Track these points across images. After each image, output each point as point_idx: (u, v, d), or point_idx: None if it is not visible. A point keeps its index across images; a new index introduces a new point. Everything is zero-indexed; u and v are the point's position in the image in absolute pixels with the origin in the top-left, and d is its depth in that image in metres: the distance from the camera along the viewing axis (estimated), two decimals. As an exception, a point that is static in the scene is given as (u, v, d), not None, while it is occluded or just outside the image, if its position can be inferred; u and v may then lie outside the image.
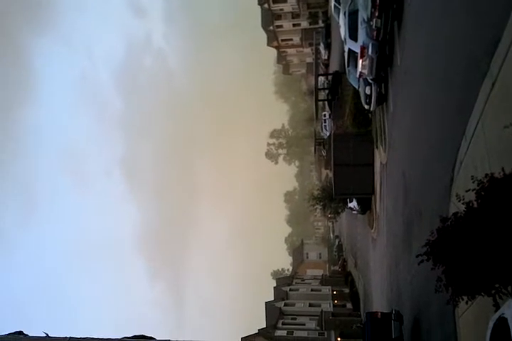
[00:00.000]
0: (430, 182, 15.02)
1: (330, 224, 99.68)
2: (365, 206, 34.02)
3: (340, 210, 43.96)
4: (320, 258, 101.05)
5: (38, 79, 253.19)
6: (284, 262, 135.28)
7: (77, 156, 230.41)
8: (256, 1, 75.37)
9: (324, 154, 56.90)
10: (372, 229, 31.77)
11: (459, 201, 8.07)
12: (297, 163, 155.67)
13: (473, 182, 7.73)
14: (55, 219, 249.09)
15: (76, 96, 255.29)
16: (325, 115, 54.06)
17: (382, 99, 23.60)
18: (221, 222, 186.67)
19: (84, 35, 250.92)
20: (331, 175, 41.67)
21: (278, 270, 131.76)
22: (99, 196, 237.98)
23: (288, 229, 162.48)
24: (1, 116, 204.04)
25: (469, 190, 7.72)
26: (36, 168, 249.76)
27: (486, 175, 7.58)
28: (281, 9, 75.31)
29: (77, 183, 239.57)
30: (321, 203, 43.41)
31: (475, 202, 7.52)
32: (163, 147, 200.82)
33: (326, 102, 49.67)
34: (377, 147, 27.83)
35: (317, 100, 51.01)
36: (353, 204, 36.40)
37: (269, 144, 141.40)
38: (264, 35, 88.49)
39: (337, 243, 77.62)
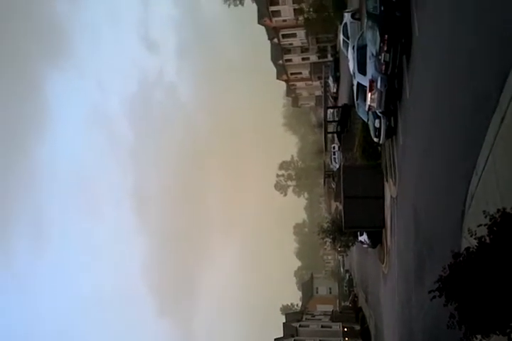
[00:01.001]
0: (441, 216, 14.82)
1: (340, 257, 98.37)
2: (376, 240, 33.57)
3: (350, 244, 43.38)
4: (330, 293, 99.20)
5: (52, 110, 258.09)
6: (294, 297, 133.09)
7: (88, 187, 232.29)
8: (266, 36, 76.82)
9: (334, 186, 56.67)
10: (383, 263, 31.24)
11: (471, 236, 7.93)
12: (306, 195, 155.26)
13: (485, 217, 7.61)
14: (63, 252, 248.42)
15: (88, 127, 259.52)
16: (334, 147, 54.12)
17: (391, 132, 23.61)
18: (230, 255, 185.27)
19: (98, 68, 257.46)
20: (340, 207, 41.36)
21: (287, 305, 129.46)
22: (109, 227, 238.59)
23: (297, 263, 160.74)
24: (15, 147, 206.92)
25: (481, 225, 7.59)
26: (48, 199, 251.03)
27: (498, 210, 7.47)
28: (291, 44, 76.64)
29: (88, 214, 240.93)
30: (331, 236, 42.89)
31: (487, 238, 7.38)
32: (174, 179, 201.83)
33: (335, 135, 49.81)
34: (387, 180, 27.68)
35: (326, 132, 51.19)
36: (364, 237, 35.94)
37: (278, 176, 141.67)
38: (273, 69, 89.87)
39: (347, 277, 76.31)
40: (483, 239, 7.47)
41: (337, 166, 50.42)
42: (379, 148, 28.80)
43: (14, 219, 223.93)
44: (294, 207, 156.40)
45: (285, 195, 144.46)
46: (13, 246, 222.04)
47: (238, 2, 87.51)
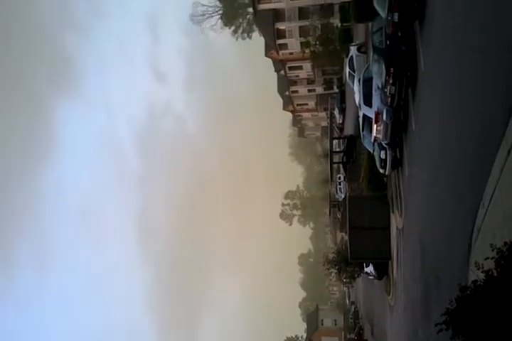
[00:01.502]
0: (448, 249, 14.79)
1: (346, 289, 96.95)
2: (382, 271, 33.25)
3: (356, 275, 42.94)
4: (335, 325, 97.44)
5: (60, 140, 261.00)
6: (298, 328, 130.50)
7: (93, 216, 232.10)
8: (273, 68, 78.07)
9: (339, 217, 56.49)
10: (389, 295, 30.87)
11: (478, 269, 7.94)
12: (312, 224, 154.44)
13: (492, 250, 7.64)
14: (65, 283, 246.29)
15: (96, 157, 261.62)
16: (340, 177, 54.26)
17: (397, 163, 23.76)
18: (234, 285, 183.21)
19: (107, 99, 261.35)
20: (346, 238, 41.13)
21: (292, 337, 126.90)
22: (112, 257, 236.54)
23: (302, 293, 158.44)
24: (22, 176, 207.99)
25: (488, 258, 7.62)
26: (52, 227, 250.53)
27: (505, 243, 7.52)
28: (297, 76, 77.78)
29: (92, 244, 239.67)
30: (337, 267, 42.50)
31: (494, 271, 7.40)
32: (179, 209, 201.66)
33: (341, 165, 50.01)
34: (393, 211, 27.65)
35: (332, 163, 51.42)
36: (370, 269, 35.60)
37: (283, 205, 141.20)
38: (280, 100, 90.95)
39: (353, 309, 75.05)
40: (490, 273, 7.48)
41: (343, 196, 50.42)
42: (385, 179, 28.89)
43: (17, 246, 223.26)
44: (300, 237, 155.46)
45: (290, 224, 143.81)
46: (15, 275, 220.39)
47: (246, 35, 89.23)
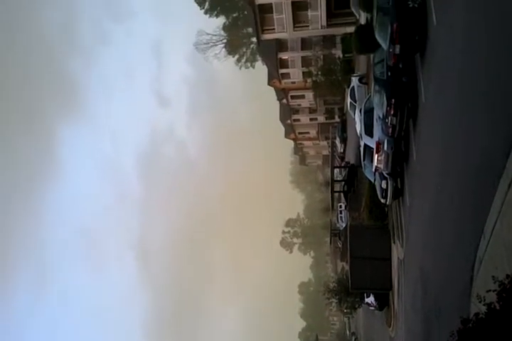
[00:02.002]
0: (449, 280, 14.69)
1: (346, 319, 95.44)
2: (383, 302, 32.86)
3: (357, 305, 42.37)
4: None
5: (62, 161, 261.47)
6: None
7: (92, 239, 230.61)
8: (275, 97, 78.92)
9: (340, 246, 56.09)
10: (390, 326, 30.42)
11: (480, 301, 7.91)
12: (312, 253, 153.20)
13: (494, 283, 7.62)
14: (64, 300, 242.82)
15: (97, 180, 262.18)
16: (341, 206, 54.15)
17: (398, 193, 23.79)
18: (233, 313, 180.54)
19: (110, 122, 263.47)
20: (347, 267, 40.77)
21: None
22: (111, 281, 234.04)
23: (302, 323, 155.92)
24: (23, 196, 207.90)
25: (490, 291, 7.59)
26: (51, 249, 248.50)
27: (507, 275, 7.50)
28: (299, 104, 78.54)
29: (90, 267, 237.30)
30: (337, 297, 42.01)
31: (497, 304, 7.36)
32: (179, 235, 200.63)
33: (342, 194, 49.98)
34: (394, 241, 27.53)
35: (333, 191, 51.38)
36: (371, 299, 35.18)
37: (284, 232, 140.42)
38: (282, 128, 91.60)
39: (353, 340, 73.84)
40: (492, 305, 7.44)
41: (343, 225, 50.21)
42: (386, 208, 28.88)
43: (15, 269, 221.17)
44: (300, 265, 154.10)
45: (291, 252, 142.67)
46: (11, 299, 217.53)
47: (249, 65, 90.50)
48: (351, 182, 43.18)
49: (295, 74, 63.48)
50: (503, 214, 9.99)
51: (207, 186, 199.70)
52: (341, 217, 54.00)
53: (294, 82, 67.31)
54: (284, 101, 76.70)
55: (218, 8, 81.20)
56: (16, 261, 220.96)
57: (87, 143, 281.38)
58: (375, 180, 25.62)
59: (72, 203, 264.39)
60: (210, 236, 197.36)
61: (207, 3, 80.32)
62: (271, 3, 42.14)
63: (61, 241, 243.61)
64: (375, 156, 22.95)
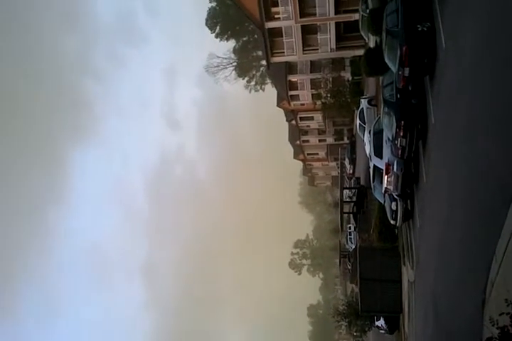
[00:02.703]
0: (461, 303, 14.53)
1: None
2: (393, 325, 32.41)
3: (367, 328, 41.77)
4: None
5: (72, 182, 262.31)
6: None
7: (100, 258, 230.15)
8: (284, 118, 79.47)
9: (350, 268, 55.56)
10: (401, 350, 29.96)
11: (493, 325, 7.84)
12: (321, 275, 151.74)
13: (507, 306, 7.58)
14: (71, 321, 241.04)
15: (107, 198, 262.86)
16: (350, 227, 53.90)
17: (408, 215, 23.71)
18: (240, 336, 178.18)
19: (121, 144, 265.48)
20: (356, 290, 40.35)
21: None
22: (118, 299, 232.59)
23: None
24: (32, 218, 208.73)
25: (503, 314, 7.54)
26: (58, 271, 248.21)
27: (520, 299, 7.46)
28: (308, 126, 78.98)
29: (98, 288, 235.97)
30: (347, 320, 41.49)
31: (510, 327, 7.31)
32: (186, 255, 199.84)
33: (351, 215, 49.80)
34: (404, 264, 27.31)
35: (342, 212, 51.25)
36: (381, 322, 34.72)
37: (293, 254, 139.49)
38: (291, 149, 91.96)
39: (363, 364, 72.48)
40: (505, 329, 7.38)
41: (353, 247, 49.87)
42: (396, 230, 28.73)
43: (21, 292, 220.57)
44: (309, 287, 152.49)
45: (299, 273, 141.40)
46: (17, 325, 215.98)
47: (259, 87, 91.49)
48: (361, 203, 43.07)
49: (304, 96, 64.03)
50: (514, 238, 9.96)
51: (216, 207, 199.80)
52: (351, 238, 53.71)
53: (303, 104, 67.85)
54: (293, 122, 77.22)
55: (229, 32, 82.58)
56: (23, 284, 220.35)
57: (98, 165, 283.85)
58: (384, 202, 25.56)
59: (81, 224, 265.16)
60: (219, 257, 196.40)
61: (218, 28, 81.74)
62: (281, 28, 42.78)
63: (68, 262, 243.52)
64: (385, 178, 22.93)
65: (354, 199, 46.95)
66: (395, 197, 23.64)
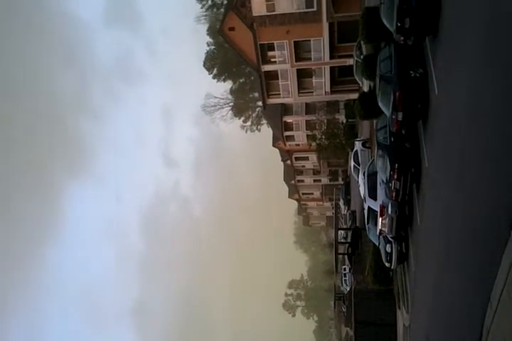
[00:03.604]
0: (457, 350, 14.33)
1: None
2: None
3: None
4: None
5: (66, 218, 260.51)
6: None
7: (92, 297, 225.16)
8: (279, 158, 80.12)
9: (344, 310, 54.73)
10: None
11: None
12: (316, 317, 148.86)
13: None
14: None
15: (100, 234, 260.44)
16: (345, 269, 53.35)
17: (403, 257, 23.62)
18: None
19: (116, 180, 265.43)
20: (351, 333, 39.62)
21: None
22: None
23: None
24: (23, 251, 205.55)
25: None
26: (49, 309, 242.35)
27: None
28: (303, 166, 79.54)
29: (89, 328, 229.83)
30: (341, 365, 40.58)
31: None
32: (180, 293, 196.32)
33: (346, 256, 49.43)
34: (399, 307, 26.98)
35: (337, 253, 50.90)
36: (376, 367, 33.94)
37: (287, 294, 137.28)
38: (286, 188, 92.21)
39: None
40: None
41: (348, 289, 49.24)
42: (391, 273, 28.51)
43: (8, 329, 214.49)
44: (303, 330, 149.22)
45: (293, 315, 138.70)
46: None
47: (255, 128, 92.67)
48: (355, 244, 42.86)
49: (299, 136, 64.81)
50: (509, 284, 9.94)
51: (210, 245, 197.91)
52: (345, 280, 53.06)
53: (298, 144, 68.57)
54: (289, 162, 77.82)
55: (226, 73, 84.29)
56: (13, 325, 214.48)
57: (92, 202, 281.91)
58: (379, 244, 25.50)
59: (73, 262, 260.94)
60: (212, 297, 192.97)
61: (215, 69, 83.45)
62: (277, 71, 43.80)
63: (60, 299, 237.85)
64: (379, 220, 23.00)
65: (349, 240, 46.75)
66: (390, 239, 23.63)
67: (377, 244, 26.31)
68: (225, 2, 67.31)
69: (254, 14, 38.11)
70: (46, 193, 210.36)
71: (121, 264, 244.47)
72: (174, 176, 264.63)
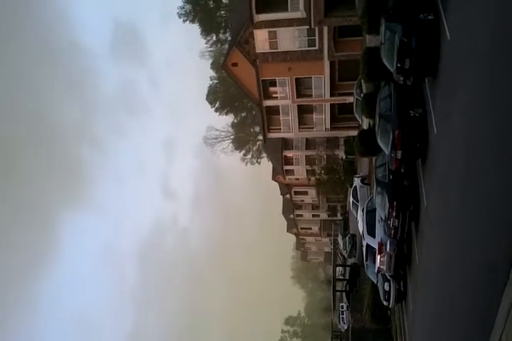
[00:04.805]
0: None
1: None
2: None
3: None
4: None
5: (63, 247, 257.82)
6: None
7: (85, 327, 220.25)
8: (279, 191, 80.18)
9: (342, 349, 53.63)
10: None
11: None
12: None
13: None
14: None
15: (95, 264, 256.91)
16: (342, 306, 52.55)
17: (401, 296, 23.35)
18: None
19: (115, 210, 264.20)
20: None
21: None
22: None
23: None
24: (17, 279, 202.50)
25: None
26: (43, 336, 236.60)
27: None
28: (302, 200, 79.56)
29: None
30: None
31: None
32: (175, 326, 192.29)
33: (344, 293, 48.82)
34: (397, 347, 26.49)
35: (335, 290, 50.30)
36: None
37: (283, 331, 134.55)
38: (284, 222, 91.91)
39: None
40: None
41: (345, 327, 48.40)
42: (389, 311, 28.12)
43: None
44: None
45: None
46: None
47: (255, 161, 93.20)
48: (354, 281, 42.44)
49: (299, 171, 65.07)
50: (508, 330, 9.80)
51: (207, 278, 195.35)
52: (343, 317, 52.18)
53: (297, 179, 68.78)
54: (288, 196, 77.89)
55: (228, 107, 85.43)
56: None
57: (90, 231, 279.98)
58: (377, 282, 25.27)
59: (69, 291, 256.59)
60: (208, 331, 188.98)
61: (218, 103, 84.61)
62: (278, 106, 44.38)
63: (53, 329, 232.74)
64: (378, 257, 22.87)
65: (347, 277, 46.31)
66: (388, 277, 23.43)
67: (375, 282, 26.06)
68: (229, 38, 68.79)
69: (257, 51, 38.93)
70: (43, 221, 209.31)
71: (117, 293, 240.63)
72: (173, 207, 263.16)
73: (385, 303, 24.91)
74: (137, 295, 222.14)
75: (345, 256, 52.20)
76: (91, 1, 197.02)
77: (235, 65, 41.09)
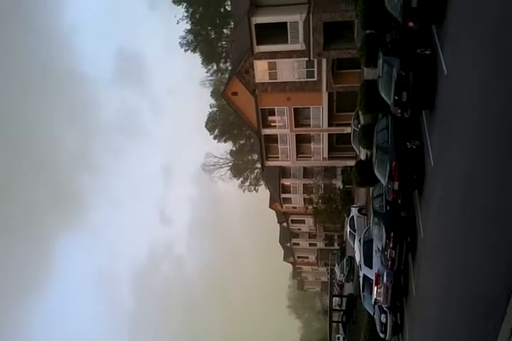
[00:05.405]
0: None
1: None
2: None
3: None
4: None
5: (55, 267, 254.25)
6: None
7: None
8: (276, 219, 79.94)
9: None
10: None
11: None
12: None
13: None
14: None
15: (89, 289, 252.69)
16: (339, 338, 51.76)
17: (398, 329, 23.11)
18: None
19: (110, 233, 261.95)
20: None
21: None
22: None
23: None
24: (8, 303, 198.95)
25: None
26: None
27: None
28: (299, 229, 79.28)
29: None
30: None
31: None
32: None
33: (341, 324, 48.19)
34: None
35: (331, 321, 49.62)
36: None
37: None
38: (281, 250, 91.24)
39: None
40: None
41: (342, 359, 47.59)
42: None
43: None
44: None
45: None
46: None
47: (253, 188, 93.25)
48: (350, 312, 42.01)
49: (296, 199, 65.08)
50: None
51: (201, 307, 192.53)
52: (341, 350, 51.38)
53: (295, 207, 68.72)
54: (285, 224, 77.62)
55: (227, 135, 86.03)
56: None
57: (85, 256, 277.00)
58: (374, 313, 25.04)
59: (62, 316, 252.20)
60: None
61: (216, 130, 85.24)
62: (276, 135, 44.82)
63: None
64: (375, 288, 22.74)
65: (344, 307, 45.82)
66: (385, 309, 23.24)
67: (372, 313, 25.82)
68: (230, 68, 69.91)
69: (256, 81, 39.55)
70: (38, 245, 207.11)
71: (110, 320, 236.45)
72: (169, 234, 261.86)
73: (381, 335, 24.63)
74: (131, 321, 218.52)
75: (343, 280, 51.85)
76: (94, 30, 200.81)
77: (234, 93, 41.68)
